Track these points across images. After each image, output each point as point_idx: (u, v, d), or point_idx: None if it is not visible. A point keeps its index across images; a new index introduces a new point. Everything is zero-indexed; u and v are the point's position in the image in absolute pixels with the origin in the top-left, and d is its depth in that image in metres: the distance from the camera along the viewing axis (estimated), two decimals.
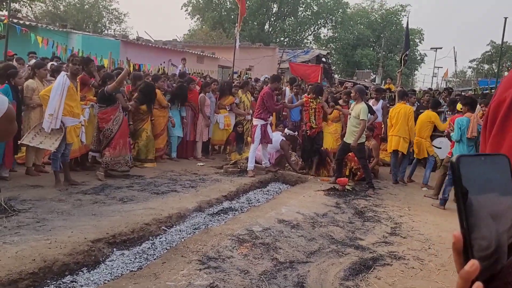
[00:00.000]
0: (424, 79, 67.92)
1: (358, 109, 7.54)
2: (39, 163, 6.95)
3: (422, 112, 9.41)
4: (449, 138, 8.17)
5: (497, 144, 0.84)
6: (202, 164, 9.00)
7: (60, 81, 6.03)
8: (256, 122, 8.15)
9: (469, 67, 55.12)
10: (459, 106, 8.56)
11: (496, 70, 33.34)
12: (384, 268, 4.23)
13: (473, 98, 8.21)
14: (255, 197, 7.14)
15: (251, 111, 10.01)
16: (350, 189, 7.43)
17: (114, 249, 4.35)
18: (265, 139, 8.21)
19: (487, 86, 16.78)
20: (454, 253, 0.61)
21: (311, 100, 8.51)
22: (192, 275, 3.66)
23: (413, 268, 4.29)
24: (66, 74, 6.17)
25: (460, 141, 6.88)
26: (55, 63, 8.83)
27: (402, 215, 6.26)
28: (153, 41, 22.08)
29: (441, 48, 41.46)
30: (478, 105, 7.49)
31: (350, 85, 11.87)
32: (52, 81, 7.31)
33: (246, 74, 20.18)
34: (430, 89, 16.82)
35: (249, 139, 9.22)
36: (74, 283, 3.60)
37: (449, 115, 10.28)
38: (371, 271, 4.10)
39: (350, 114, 7.87)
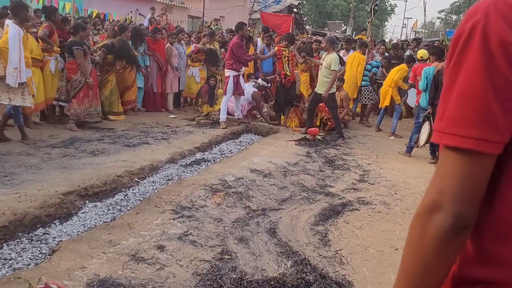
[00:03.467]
0: (394, 30, 67.89)
1: (329, 59, 7.53)
2: None
3: (394, 62, 9.57)
4: (415, 87, 8.33)
5: (454, 76, 0.84)
6: (173, 116, 8.91)
7: (14, 31, 5.56)
8: (228, 73, 8.03)
9: (438, 18, 55.46)
10: (419, 54, 8.64)
11: None
12: (353, 213, 4.39)
13: (440, 48, 8.31)
14: (227, 148, 7.18)
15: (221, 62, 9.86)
16: (321, 139, 7.55)
17: (87, 201, 4.34)
18: (238, 90, 8.13)
19: None
20: None
21: (284, 48, 8.42)
22: (166, 224, 3.71)
23: (379, 212, 4.48)
24: (14, 22, 5.68)
25: (427, 89, 7.01)
26: None
27: (370, 163, 6.44)
28: None
29: None
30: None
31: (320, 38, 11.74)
32: None
33: (216, 25, 19.68)
34: (398, 42, 16.86)
35: (220, 91, 9.12)
36: (46, 235, 3.60)
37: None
38: (340, 216, 4.26)
39: (321, 65, 7.86)
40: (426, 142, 6.93)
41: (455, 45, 0.85)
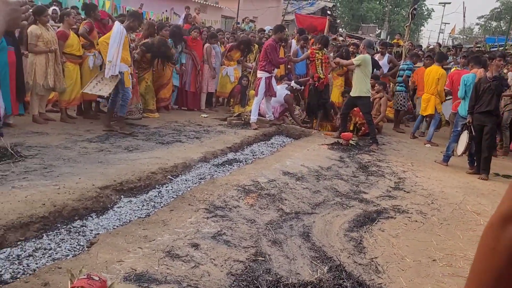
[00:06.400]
0: (430, 35, 66.54)
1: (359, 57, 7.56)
2: (43, 111, 6.91)
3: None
4: (450, 94, 8.13)
5: None
6: (205, 115, 8.97)
7: (118, 29, 6.37)
8: (261, 74, 8.02)
9: (477, 24, 53.97)
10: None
11: (504, 28, 32.51)
12: (388, 221, 4.30)
13: (477, 55, 8.11)
14: (259, 150, 7.16)
15: (254, 63, 9.86)
16: (354, 144, 7.44)
17: (122, 196, 4.40)
18: (269, 92, 8.11)
19: (495, 44, 16.48)
20: None
21: (317, 51, 8.34)
22: (200, 222, 3.72)
23: (416, 221, 4.36)
24: (122, 25, 6.55)
25: (465, 97, 6.81)
26: (57, 9, 8.59)
27: (405, 170, 6.30)
28: None
29: (449, 3, 40.11)
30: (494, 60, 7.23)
31: (357, 41, 11.60)
32: (54, 27, 7.14)
33: (249, 24, 19.71)
34: (439, 44, 16.48)
35: (252, 92, 9.12)
36: (84, 227, 3.66)
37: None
38: (375, 224, 4.17)
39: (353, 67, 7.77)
40: (464, 152, 6.73)
41: None
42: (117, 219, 3.93)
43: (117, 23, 6.55)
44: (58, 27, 7.11)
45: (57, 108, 7.42)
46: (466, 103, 6.74)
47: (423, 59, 10.57)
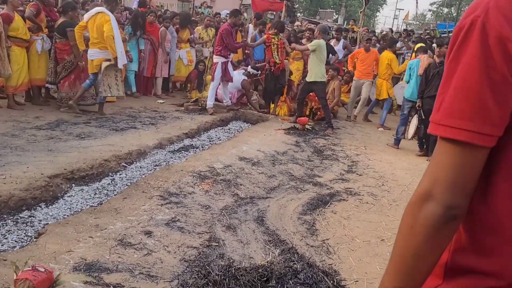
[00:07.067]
0: (385, 20, 67.91)
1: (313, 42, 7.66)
2: None
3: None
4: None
5: (452, 69, 0.85)
6: (162, 101, 8.82)
7: (114, 20, 6.48)
8: (217, 59, 7.95)
9: (429, 10, 55.49)
10: (416, 47, 8.74)
11: (454, 14, 33.66)
12: (340, 203, 4.42)
13: (423, 41, 8.49)
14: (216, 135, 7.15)
15: (211, 48, 9.75)
16: (310, 129, 7.56)
17: (73, 184, 4.29)
18: (226, 77, 8.07)
19: (445, 30, 17.04)
20: None
21: (273, 36, 8.35)
22: (154, 210, 3.69)
23: (367, 203, 4.51)
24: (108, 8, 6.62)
25: (410, 80, 7.09)
26: None
27: (358, 153, 6.48)
28: None
29: None
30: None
31: (313, 26, 11.65)
32: None
33: (206, 8, 19.42)
34: (391, 29, 16.87)
35: (209, 77, 9.04)
36: (32, 218, 3.55)
37: (409, 57, 10.46)
38: (328, 206, 4.28)
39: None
40: (414, 135, 7.00)
41: (455, 39, 0.87)
42: (68, 208, 3.83)
43: (110, 14, 6.55)
44: (2, 9, 6.75)
45: (4, 94, 7.07)
46: (411, 87, 7.01)
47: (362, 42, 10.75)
